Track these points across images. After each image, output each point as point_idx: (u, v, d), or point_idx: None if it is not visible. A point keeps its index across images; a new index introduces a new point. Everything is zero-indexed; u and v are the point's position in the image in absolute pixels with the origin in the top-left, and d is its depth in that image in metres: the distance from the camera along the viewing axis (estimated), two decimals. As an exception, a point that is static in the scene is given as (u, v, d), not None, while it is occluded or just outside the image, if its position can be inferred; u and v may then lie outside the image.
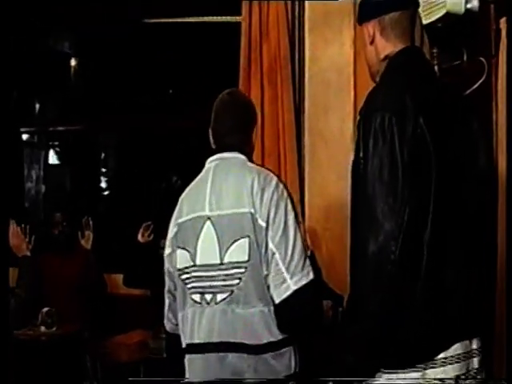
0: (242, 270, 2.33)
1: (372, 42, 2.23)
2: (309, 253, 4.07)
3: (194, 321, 2.42)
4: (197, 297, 2.42)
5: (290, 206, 2.37)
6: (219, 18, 5.20)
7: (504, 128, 2.85)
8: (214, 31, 5.35)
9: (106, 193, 7.75)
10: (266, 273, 2.32)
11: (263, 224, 2.31)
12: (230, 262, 2.35)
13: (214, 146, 2.59)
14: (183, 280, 2.46)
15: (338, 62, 4.52)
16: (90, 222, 5.04)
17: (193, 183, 2.58)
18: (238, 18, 4.85)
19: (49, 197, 7.08)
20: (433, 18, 3.31)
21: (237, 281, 2.33)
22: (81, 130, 6.46)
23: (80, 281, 4.87)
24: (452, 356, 2.00)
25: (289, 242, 2.31)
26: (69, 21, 5.75)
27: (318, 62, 4.59)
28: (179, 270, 2.47)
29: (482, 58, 3.11)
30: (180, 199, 2.58)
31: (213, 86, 6.04)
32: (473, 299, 2.10)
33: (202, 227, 2.41)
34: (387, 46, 2.20)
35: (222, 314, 2.36)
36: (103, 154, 7.79)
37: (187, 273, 2.44)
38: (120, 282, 4.86)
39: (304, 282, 2.30)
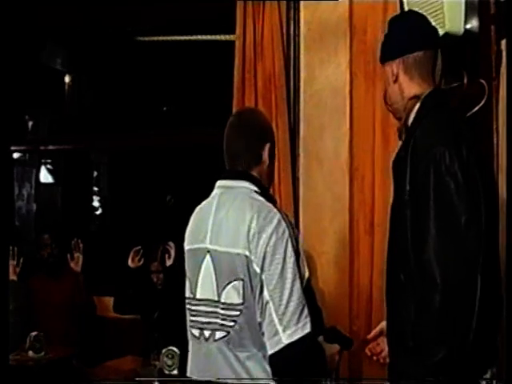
0: (237, 313, 2.22)
1: (395, 81, 2.28)
2: (307, 275, 4.03)
3: (193, 355, 2.38)
4: (196, 332, 2.35)
5: (289, 249, 2.19)
6: (213, 36, 5.15)
7: (505, 152, 2.78)
8: (208, 49, 5.32)
9: (98, 212, 7.70)
10: (259, 320, 2.20)
11: (258, 269, 2.18)
12: (226, 303, 2.25)
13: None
14: (188, 310, 2.41)
15: (333, 82, 4.46)
16: (80, 244, 4.95)
17: (200, 206, 2.48)
18: (232, 36, 4.79)
19: (40, 215, 7.02)
20: None
21: (232, 323, 2.24)
22: (73, 149, 6.37)
23: (69, 304, 4.81)
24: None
25: (284, 290, 2.16)
26: (62, 38, 5.71)
27: (314, 82, 4.53)
28: (186, 298, 2.42)
29: (482, 81, 3.05)
30: (190, 222, 2.48)
31: (207, 105, 6.06)
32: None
33: (203, 260, 2.32)
34: (411, 86, 2.25)
35: (219, 353, 2.27)
36: (95, 173, 7.75)
37: (189, 304, 2.39)
38: (110, 305, 4.76)
39: (298, 336, 2.15)
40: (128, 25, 5.29)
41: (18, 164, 6.75)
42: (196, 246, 2.37)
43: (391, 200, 2.28)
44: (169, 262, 4.56)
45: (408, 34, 2.29)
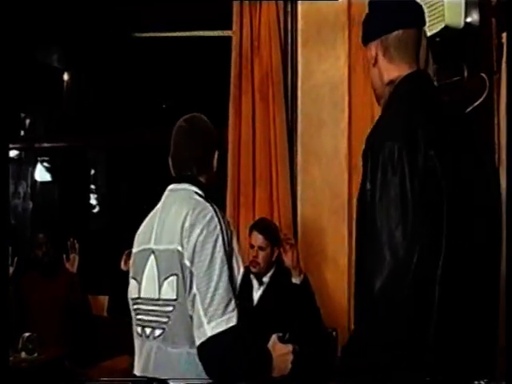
0: (171, 309, 2.26)
1: (375, 64, 2.12)
2: (302, 277, 3.98)
3: (137, 353, 2.41)
4: (139, 329, 2.39)
5: (219, 244, 2.21)
6: (210, 32, 5.09)
7: (506, 148, 2.70)
8: (206, 45, 5.26)
9: (95, 210, 7.64)
10: (190, 313, 2.20)
11: (188, 263, 2.21)
12: (163, 299, 2.28)
13: (173, 175, 2.53)
14: (134, 310, 2.44)
15: (331, 77, 4.42)
16: (76, 245, 4.89)
17: (151, 213, 2.51)
18: (229, 32, 4.73)
19: (37, 214, 6.95)
20: (431, 33, 3.21)
21: (166, 319, 2.27)
22: (70, 146, 6.32)
23: (64, 304, 4.74)
24: None
25: (211, 283, 2.17)
26: (60, 35, 5.66)
27: (312, 77, 4.48)
28: (131, 299, 2.47)
29: (483, 74, 2.98)
30: (140, 228, 2.53)
31: (205, 101, 6.01)
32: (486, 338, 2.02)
33: (147, 260, 2.36)
34: (391, 69, 2.08)
35: (157, 350, 2.30)
36: (93, 171, 7.69)
37: (135, 303, 2.43)
38: (106, 304, 4.70)
39: (221, 328, 2.14)
40: (126, 22, 5.23)
41: (14, 162, 6.69)
42: (142, 247, 2.42)
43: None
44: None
45: (386, 12, 2.10)
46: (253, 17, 4.57)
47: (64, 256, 4.88)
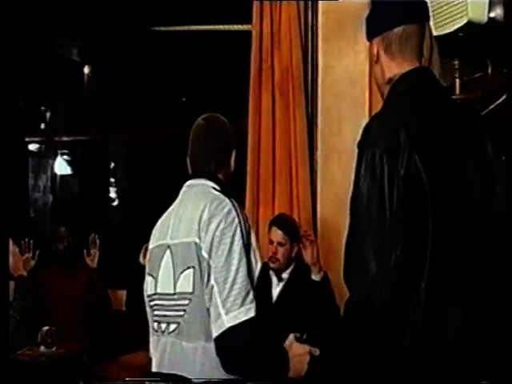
0: (187, 302, 2.25)
1: (377, 61, 2.06)
2: (322, 274, 3.94)
3: (153, 349, 2.42)
4: (155, 325, 2.39)
5: (237, 237, 2.20)
6: (231, 26, 5.06)
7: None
8: (227, 39, 5.24)
9: (115, 203, 7.66)
10: (207, 305, 2.20)
11: (206, 255, 2.20)
12: (179, 293, 2.28)
13: (190, 172, 2.54)
14: (151, 307, 2.44)
15: (352, 72, 4.38)
16: (97, 240, 4.89)
17: (168, 209, 2.52)
18: (250, 26, 4.70)
19: (57, 207, 6.97)
20: (453, 28, 3.17)
21: (182, 312, 2.26)
22: (90, 140, 6.32)
23: (83, 298, 4.74)
24: None
25: (229, 274, 2.16)
26: (80, 28, 5.66)
27: (332, 72, 4.45)
28: (148, 296, 2.47)
29: (507, 70, 2.92)
30: (156, 225, 2.55)
31: (225, 95, 5.99)
32: (478, 347, 1.94)
33: (163, 255, 2.37)
34: (392, 66, 2.02)
35: (171, 346, 2.30)
36: (113, 164, 7.70)
37: (152, 300, 2.43)
38: (124, 298, 4.71)
39: (241, 319, 2.13)
40: (145, 16, 5.22)
41: (34, 155, 6.70)
42: (158, 243, 2.42)
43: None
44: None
45: (388, 9, 2.04)
46: (273, 11, 4.53)
47: (85, 251, 4.88)
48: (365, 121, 4.15)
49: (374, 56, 2.05)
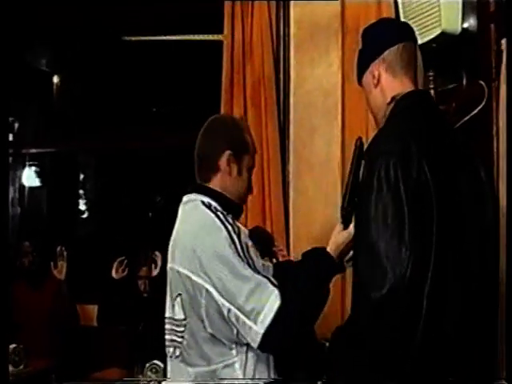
0: (182, 329, 2.23)
1: (377, 85, 2.15)
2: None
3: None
4: (166, 349, 2.37)
5: (230, 250, 2.11)
6: (202, 36, 5.01)
7: (505, 158, 2.63)
8: (198, 50, 5.19)
9: (84, 215, 7.55)
10: (210, 330, 2.15)
11: (198, 280, 2.13)
12: (176, 319, 2.27)
13: None
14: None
15: (325, 83, 4.34)
16: (64, 252, 4.80)
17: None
18: (221, 36, 4.65)
19: (25, 219, 6.86)
20: (427, 38, 3.17)
21: (181, 339, 2.25)
22: (59, 151, 6.24)
23: (51, 313, 4.66)
24: None
25: (238, 290, 2.09)
26: (49, 37, 5.58)
27: (304, 83, 4.41)
28: None
29: (481, 82, 2.91)
30: None
31: (196, 106, 5.94)
32: (474, 349, 2.03)
33: (168, 278, 2.35)
34: (394, 85, 2.12)
35: (178, 370, 2.29)
36: (82, 175, 7.60)
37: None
38: (95, 314, 4.62)
39: (269, 318, 2.06)
40: (116, 25, 5.17)
41: (2, 167, 6.59)
42: (168, 265, 2.37)
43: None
44: (155, 272, 4.47)
45: (384, 31, 2.20)
46: (245, 21, 4.49)
47: (52, 263, 4.79)
48: (338, 132, 4.22)
49: (375, 79, 2.14)
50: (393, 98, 2.09)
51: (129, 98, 6.38)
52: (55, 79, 6.92)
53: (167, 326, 2.32)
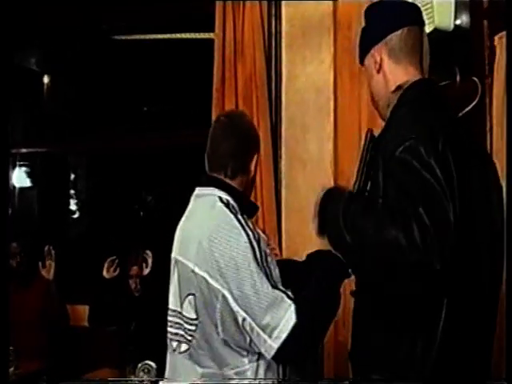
0: (194, 328, 2.18)
1: (379, 70, 2.02)
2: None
3: (168, 364, 2.36)
4: (168, 341, 2.32)
5: (248, 256, 2.07)
6: (193, 34, 4.99)
7: (501, 154, 2.61)
8: (189, 48, 5.17)
9: (75, 216, 7.52)
10: (222, 336, 2.11)
11: (216, 284, 2.08)
12: (185, 316, 2.21)
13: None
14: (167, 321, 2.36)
15: (317, 81, 4.32)
16: (52, 251, 4.76)
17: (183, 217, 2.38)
18: (212, 34, 4.62)
19: (15, 220, 6.82)
20: None
21: (191, 337, 2.19)
22: (50, 151, 6.20)
23: (40, 314, 4.61)
24: None
25: (255, 301, 2.04)
26: (40, 37, 5.55)
27: (296, 81, 4.39)
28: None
29: (475, 78, 2.89)
30: None
31: (187, 105, 5.92)
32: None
33: (174, 270, 2.27)
34: (398, 72, 1.99)
35: (182, 366, 2.24)
36: (72, 176, 7.57)
37: (167, 314, 2.35)
38: (85, 314, 4.58)
39: (284, 334, 2.01)
40: (106, 24, 5.13)
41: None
42: (172, 255, 2.32)
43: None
44: (146, 271, 4.44)
45: (388, 13, 2.04)
46: (236, 19, 4.46)
47: (40, 263, 4.76)
48: (330, 130, 4.20)
49: (377, 64, 2.01)
50: (399, 87, 1.98)
51: (120, 98, 6.36)
52: (45, 79, 6.88)
53: (171, 319, 2.27)
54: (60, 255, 4.87)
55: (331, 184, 4.19)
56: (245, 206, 2.26)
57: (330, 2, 4.16)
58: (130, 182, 6.70)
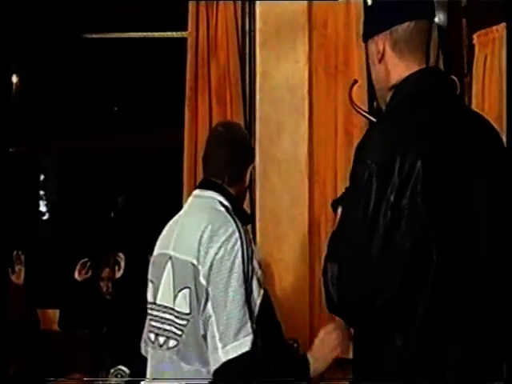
0: (184, 323, 2.22)
1: (381, 60, 1.88)
2: (262, 291, 3.82)
3: (150, 359, 2.39)
4: (152, 336, 2.34)
5: (236, 265, 2.14)
6: (165, 33, 4.93)
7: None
8: (160, 47, 5.10)
9: (45, 217, 7.41)
10: (202, 332, 2.17)
11: (203, 281, 2.16)
12: (177, 311, 2.24)
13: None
14: (148, 315, 2.41)
15: (291, 79, 4.28)
16: (22, 256, 4.66)
17: (175, 217, 2.48)
18: (185, 33, 4.56)
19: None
20: None
21: (180, 332, 2.23)
22: (19, 152, 6.09)
23: (10, 319, 4.48)
24: None
25: (227, 304, 2.13)
26: (6, 35, 5.42)
27: (270, 79, 4.34)
28: (148, 302, 2.42)
29: (453, 77, 2.85)
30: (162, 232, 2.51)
31: (159, 104, 5.85)
32: None
33: (165, 266, 2.31)
34: (399, 67, 1.84)
35: (169, 362, 2.27)
36: (42, 176, 7.46)
37: (150, 308, 2.39)
38: (56, 318, 4.51)
39: (234, 354, 2.10)
40: (76, 22, 5.05)
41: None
42: (162, 251, 2.38)
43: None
44: (118, 274, 4.38)
45: (397, 1, 1.87)
46: (209, 16, 4.42)
47: (10, 270, 4.64)
48: (305, 129, 4.16)
49: (379, 54, 1.86)
50: (394, 86, 1.85)
51: (90, 97, 6.27)
52: (14, 79, 6.77)
53: (161, 315, 2.30)
54: (30, 258, 4.76)
55: (306, 183, 4.17)
56: (240, 214, 2.36)
57: (304, 1, 4.13)
58: (100, 183, 6.61)
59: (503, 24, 2.98)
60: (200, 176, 4.36)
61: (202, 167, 2.48)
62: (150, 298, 2.39)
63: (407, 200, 1.63)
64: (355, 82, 3.29)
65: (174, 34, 4.86)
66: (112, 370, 3.55)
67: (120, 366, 3.53)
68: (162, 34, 4.97)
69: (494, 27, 2.99)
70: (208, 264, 2.15)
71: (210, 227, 2.19)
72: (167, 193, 5.57)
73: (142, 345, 2.50)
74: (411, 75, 1.82)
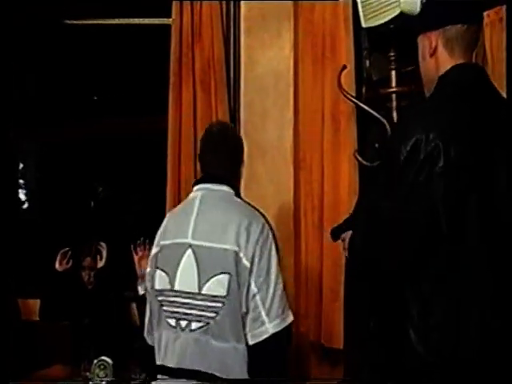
0: (220, 305, 2.40)
1: (433, 55, 2.06)
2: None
3: (167, 344, 2.51)
4: (172, 321, 2.49)
5: (273, 250, 2.45)
6: (148, 20, 4.86)
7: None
8: (143, 34, 5.03)
9: (24, 206, 7.33)
10: (244, 310, 2.40)
11: (247, 264, 2.39)
12: (208, 295, 2.41)
13: (201, 174, 2.71)
14: (159, 301, 2.54)
15: (276, 66, 4.25)
16: None
17: (178, 208, 2.74)
18: (168, 20, 4.50)
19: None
20: (385, 19, 3.15)
21: (214, 314, 2.40)
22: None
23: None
24: None
25: (270, 284, 2.40)
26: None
27: (255, 66, 4.30)
28: (157, 290, 2.56)
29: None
30: (165, 221, 2.69)
31: (141, 93, 5.79)
32: None
33: (184, 254, 2.48)
34: (448, 62, 2.03)
35: (195, 343, 2.43)
36: (21, 165, 7.38)
37: (164, 295, 2.52)
38: (37, 308, 4.46)
39: (283, 325, 2.41)
40: (56, 7, 4.97)
41: None
42: (177, 240, 2.53)
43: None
44: (100, 264, 4.33)
45: (453, 3, 2.05)
46: (193, 3, 4.35)
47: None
48: (290, 116, 4.11)
49: (431, 49, 2.05)
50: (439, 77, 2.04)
51: (72, 84, 6.21)
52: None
53: (176, 299, 2.46)
54: (9, 248, 4.70)
55: (291, 171, 4.13)
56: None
57: (291, -14, 4.08)
58: (80, 172, 6.55)
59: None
60: (184, 164, 4.35)
61: (201, 163, 2.67)
62: (159, 285, 2.53)
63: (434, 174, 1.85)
64: (344, 67, 3.32)
65: (158, 21, 4.79)
66: (95, 361, 3.50)
67: (103, 357, 3.48)
68: (146, 20, 4.89)
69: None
70: (251, 249, 2.39)
71: (244, 218, 2.45)
72: (149, 182, 5.53)
73: (148, 335, 2.66)
74: (453, 68, 2.00)
